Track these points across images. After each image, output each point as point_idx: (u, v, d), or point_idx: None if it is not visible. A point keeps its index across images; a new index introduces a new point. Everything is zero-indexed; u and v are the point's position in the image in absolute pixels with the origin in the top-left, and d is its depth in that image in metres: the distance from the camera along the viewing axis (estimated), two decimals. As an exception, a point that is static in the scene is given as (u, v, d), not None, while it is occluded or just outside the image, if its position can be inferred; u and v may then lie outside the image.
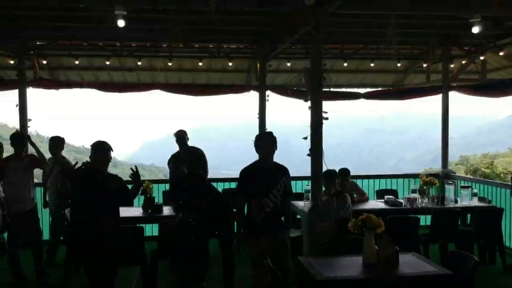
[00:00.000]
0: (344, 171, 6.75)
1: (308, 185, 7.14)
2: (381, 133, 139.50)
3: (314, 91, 5.30)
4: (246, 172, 4.68)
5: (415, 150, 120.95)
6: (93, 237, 4.40)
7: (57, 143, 6.70)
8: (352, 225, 4.18)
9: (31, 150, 6.56)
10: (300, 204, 6.84)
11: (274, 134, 4.74)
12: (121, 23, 5.25)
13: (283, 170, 4.69)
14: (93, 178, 4.44)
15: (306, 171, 8.22)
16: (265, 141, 4.63)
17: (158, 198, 7.56)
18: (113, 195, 4.48)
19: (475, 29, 5.82)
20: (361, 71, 10.54)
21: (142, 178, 5.01)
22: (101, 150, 4.51)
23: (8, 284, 5.91)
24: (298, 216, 7.08)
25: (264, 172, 4.58)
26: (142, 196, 6.66)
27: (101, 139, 4.60)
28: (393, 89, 9.94)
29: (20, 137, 6.16)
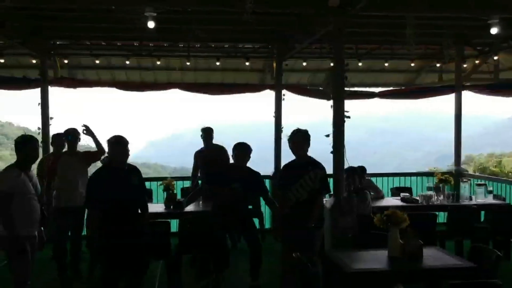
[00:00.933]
0: (361, 169, 6.87)
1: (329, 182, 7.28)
2: (384, 134, 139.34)
3: (337, 91, 5.45)
4: (282, 167, 5.01)
5: (418, 151, 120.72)
6: (121, 231, 4.50)
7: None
8: (378, 219, 4.33)
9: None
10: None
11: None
12: (151, 24, 5.41)
13: (313, 165, 4.87)
14: (115, 173, 4.54)
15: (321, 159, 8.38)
16: (297, 137, 4.96)
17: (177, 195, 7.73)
18: (136, 188, 4.64)
19: (494, 30, 5.96)
20: (374, 71, 10.68)
21: (151, 176, 5.12)
22: (120, 145, 4.54)
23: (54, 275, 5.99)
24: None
25: (294, 167, 4.93)
26: (165, 192, 6.87)
27: (118, 134, 4.65)
28: (407, 88, 10.07)
29: (71, 133, 6.08)
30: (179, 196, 7.37)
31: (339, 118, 5.43)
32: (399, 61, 10.10)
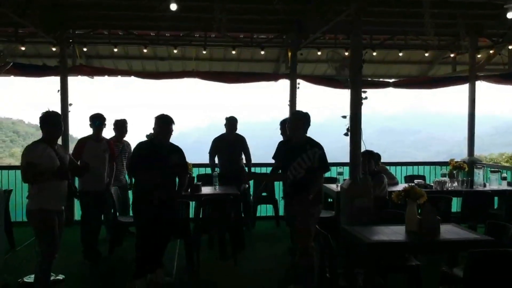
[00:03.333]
0: (377, 155, 6.93)
1: (341, 169, 7.40)
2: (393, 133, 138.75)
3: (355, 73, 5.54)
4: (280, 144, 5.15)
5: (427, 151, 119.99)
6: (155, 205, 4.70)
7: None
8: (396, 195, 4.42)
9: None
10: (333, 186, 7.09)
11: None
12: (173, 6, 5.52)
13: (311, 144, 4.88)
14: (156, 148, 4.75)
15: (336, 157, 8.48)
16: (291, 118, 5.07)
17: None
18: (173, 166, 4.81)
19: (510, 15, 6.02)
20: (386, 62, 10.74)
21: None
22: (165, 122, 4.79)
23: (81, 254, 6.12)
24: (329, 200, 7.32)
25: (291, 146, 4.97)
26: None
27: (165, 113, 4.88)
28: (421, 78, 10.12)
29: (98, 118, 6.10)
30: (196, 180, 7.50)
31: (356, 100, 5.52)
32: (412, 52, 10.15)
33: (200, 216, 6.28)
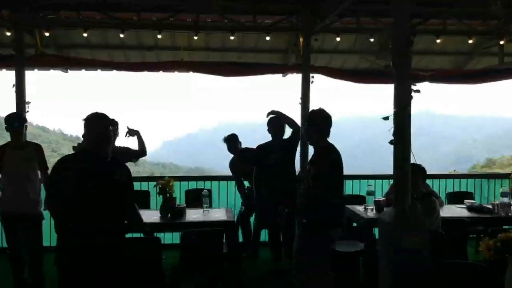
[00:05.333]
0: (423, 169, 5.13)
1: (371, 185, 5.74)
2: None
3: (400, 55, 3.84)
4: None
5: (435, 151, 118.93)
6: (93, 247, 3.11)
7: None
8: (486, 246, 2.70)
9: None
10: (359, 209, 5.48)
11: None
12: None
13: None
14: (90, 165, 3.12)
15: (364, 169, 6.87)
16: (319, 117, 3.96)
17: (180, 199, 6.21)
18: (119, 187, 3.21)
19: None
20: (416, 53, 8.97)
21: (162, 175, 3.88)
22: (97, 125, 3.15)
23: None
24: (354, 224, 5.73)
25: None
26: (161, 196, 5.34)
27: (98, 111, 3.24)
28: (465, 70, 8.34)
29: (17, 119, 4.95)
30: (181, 201, 5.83)
31: (403, 94, 3.82)
32: (446, 41, 8.35)
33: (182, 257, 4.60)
